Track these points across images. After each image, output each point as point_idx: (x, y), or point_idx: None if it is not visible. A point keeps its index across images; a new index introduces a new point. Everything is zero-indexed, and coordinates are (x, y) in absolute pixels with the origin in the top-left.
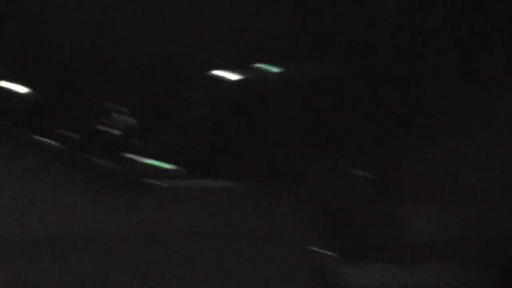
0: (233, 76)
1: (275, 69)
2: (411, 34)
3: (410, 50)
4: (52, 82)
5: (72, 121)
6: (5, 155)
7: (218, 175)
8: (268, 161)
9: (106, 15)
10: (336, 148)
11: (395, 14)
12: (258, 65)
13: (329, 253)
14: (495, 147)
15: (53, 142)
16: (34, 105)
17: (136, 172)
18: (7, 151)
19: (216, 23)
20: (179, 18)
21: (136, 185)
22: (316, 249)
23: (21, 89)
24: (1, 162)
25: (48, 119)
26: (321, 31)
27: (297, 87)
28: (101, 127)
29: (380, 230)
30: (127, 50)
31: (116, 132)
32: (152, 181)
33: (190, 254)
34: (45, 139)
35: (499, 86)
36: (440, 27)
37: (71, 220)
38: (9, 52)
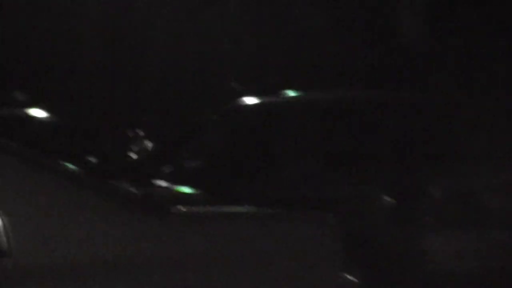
0: (251, 101)
1: (293, 95)
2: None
3: (422, 82)
4: (75, 108)
5: (93, 147)
6: (29, 182)
7: (239, 200)
8: (289, 186)
9: (132, 46)
10: (358, 174)
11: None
12: (276, 91)
13: (352, 279)
14: None
15: (74, 168)
16: (56, 132)
17: (156, 198)
18: (31, 178)
19: (233, 52)
20: (197, 46)
21: (156, 210)
22: (339, 275)
23: (45, 115)
24: (26, 188)
25: (69, 145)
26: (339, 61)
27: (316, 113)
28: (120, 154)
29: (401, 257)
30: (147, 78)
31: (135, 158)
32: (172, 206)
33: (212, 280)
34: (66, 165)
35: None
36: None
37: (93, 247)
38: (34, 79)
